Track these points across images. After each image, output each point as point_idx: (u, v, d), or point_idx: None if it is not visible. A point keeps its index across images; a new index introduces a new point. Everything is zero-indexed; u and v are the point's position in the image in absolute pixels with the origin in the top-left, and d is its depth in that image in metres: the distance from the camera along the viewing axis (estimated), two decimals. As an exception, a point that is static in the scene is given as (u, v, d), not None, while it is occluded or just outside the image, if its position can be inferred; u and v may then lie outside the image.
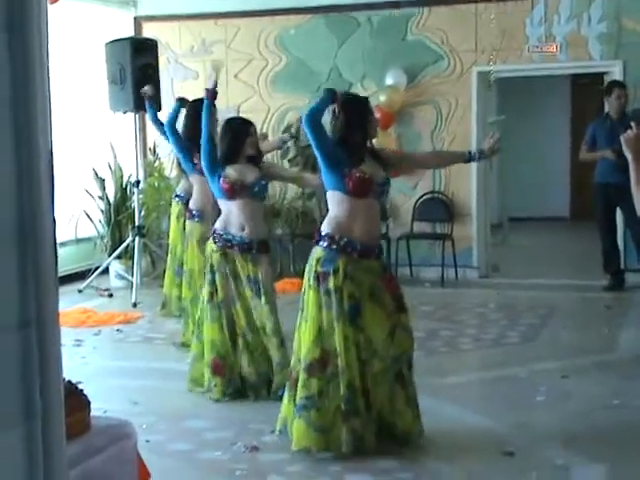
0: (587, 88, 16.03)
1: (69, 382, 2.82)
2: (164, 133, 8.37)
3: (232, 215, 6.59)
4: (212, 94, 6.95)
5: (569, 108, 17.68)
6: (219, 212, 6.80)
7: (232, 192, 6.53)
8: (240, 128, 6.76)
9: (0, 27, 1.94)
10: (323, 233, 5.41)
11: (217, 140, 6.79)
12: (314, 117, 5.43)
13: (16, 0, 1.95)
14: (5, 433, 2.02)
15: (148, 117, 8.61)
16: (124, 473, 2.94)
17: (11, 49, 1.97)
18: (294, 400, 5.38)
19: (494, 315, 9.42)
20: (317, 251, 5.40)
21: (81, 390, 2.90)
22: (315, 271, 5.35)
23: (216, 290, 6.60)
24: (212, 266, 6.62)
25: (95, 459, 2.80)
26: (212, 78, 7.09)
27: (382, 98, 11.23)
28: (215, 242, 6.62)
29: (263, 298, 6.51)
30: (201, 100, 7.22)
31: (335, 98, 5.49)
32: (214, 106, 7.06)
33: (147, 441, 5.68)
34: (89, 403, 2.89)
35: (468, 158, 5.97)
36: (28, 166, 2.01)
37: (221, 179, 6.55)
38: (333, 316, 5.27)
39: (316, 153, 5.49)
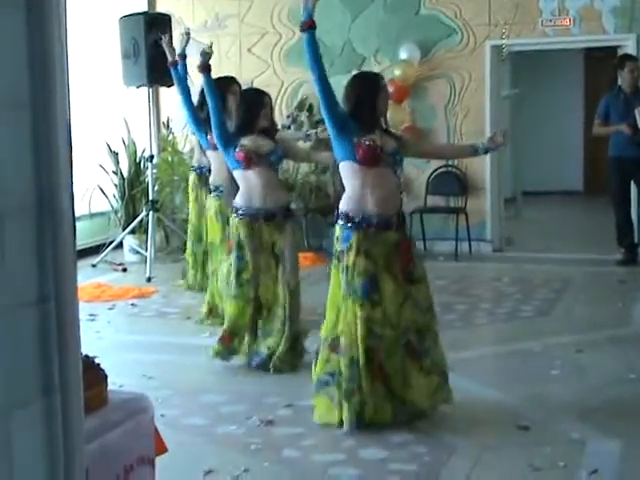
0: (600, 62, 15.93)
1: (86, 356, 2.82)
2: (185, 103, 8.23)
3: (251, 186, 6.59)
4: (204, 68, 6.93)
5: (582, 82, 17.61)
6: (237, 188, 6.79)
7: (248, 161, 6.53)
8: (254, 99, 6.76)
9: (19, 6, 1.94)
10: (340, 211, 5.42)
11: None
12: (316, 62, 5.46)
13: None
14: (25, 408, 2.04)
15: (176, 81, 8.26)
16: (141, 447, 2.96)
17: (30, 27, 1.97)
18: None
19: (508, 289, 9.41)
20: (336, 230, 5.44)
21: (98, 364, 2.91)
22: (335, 250, 5.40)
23: (244, 267, 6.62)
24: (240, 242, 6.62)
25: (112, 433, 2.81)
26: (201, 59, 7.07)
27: (397, 72, 11.20)
28: (240, 218, 6.62)
29: (288, 265, 6.57)
30: (218, 79, 7.23)
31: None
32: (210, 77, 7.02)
33: (162, 415, 5.69)
34: (106, 377, 2.91)
35: (474, 151, 5.96)
36: (46, 142, 2.02)
37: (236, 149, 6.55)
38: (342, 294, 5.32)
39: (326, 119, 5.47)
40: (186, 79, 8.24)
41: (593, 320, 8.03)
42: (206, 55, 7.03)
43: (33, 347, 2.07)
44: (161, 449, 3.15)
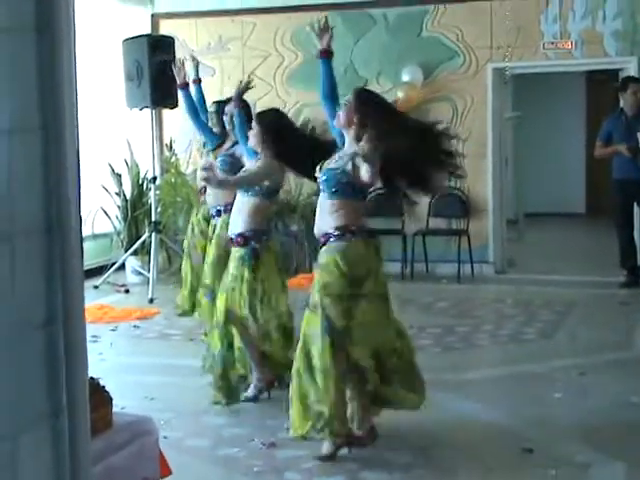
0: (602, 85, 15.99)
1: (91, 378, 2.83)
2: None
3: None
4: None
5: (584, 105, 17.66)
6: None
7: None
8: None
9: (30, 29, 1.95)
10: None
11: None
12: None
13: (46, 2, 1.97)
14: (32, 430, 2.04)
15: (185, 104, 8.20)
16: (146, 469, 2.96)
17: (40, 50, 1.99)
18: None
19: (510, 311, 9.41)
20: None
21: (103, 387, 2.92)
22: None
23: None
24: None
25: (118, 455, 2.81)
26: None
27: (400, 94, 11.24)
28: None
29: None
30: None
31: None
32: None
33: (165, 437, 5.68)
34: (111, 400, 2.91)
35: None
36: (56, 164, 2.03)
37: None
38: None
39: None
40: (203, 102, 8.20)
41: (596, 343, 8.02)
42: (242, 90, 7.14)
43: (41, 369, 2.07)
44: (165, 471, 3.15)
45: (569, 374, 6.98)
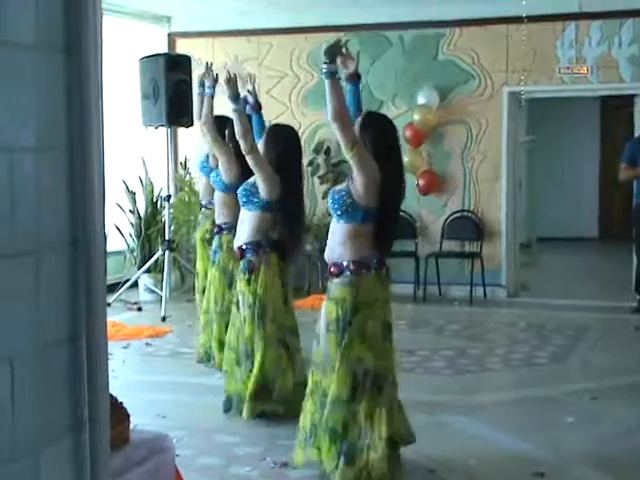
0: (617, 110, 16.02)
1: (109, 395, 2.84)
2: None
3: None
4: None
5: (598, 129, 17.70)
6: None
7: None
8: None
9: (59, 48, 1.98)
10: None
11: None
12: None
13: (74, 21, 1.99)
14: (54, 444, 2.06)
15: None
16: (162, 486, 2.97)
17: (68, 70, 2.01)
18: None
19: (523, 335, 9.41)
20: None
21: (121, 403, 2.93)
22: None
23: None
24: None
25: (135, 472, 2.82)
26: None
27: (416, 117, 11.28)
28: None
29: None
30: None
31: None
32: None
33: (177, 455, 5.69)
34: (129, 416, 2.92)
35: None
36: (82, 182, 2.06)
37: None
38: None
39: None
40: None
41: (608, 367, 8.01)
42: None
43: (64, 384, 2.09)
44: (181, 488, 3.16)
45: (581, 399, 6.97)
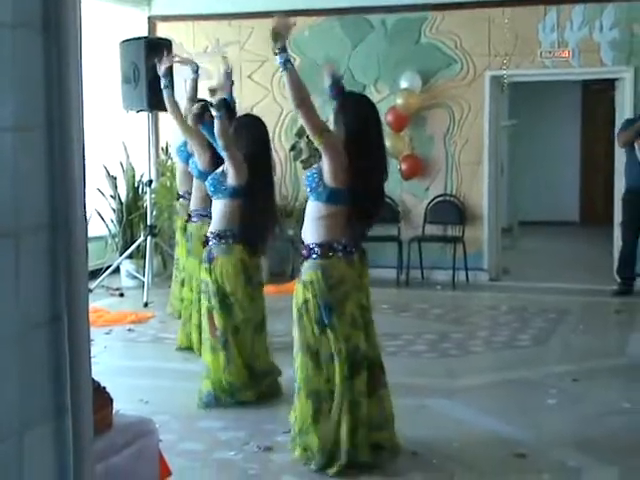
0: (598, 94, 16.06)
1: (92, 379, 2.84)
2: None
3: None
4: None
5: (580, 113, 17.74)
6: None
7: None
8: None
9: (36, 27, 1.96)
10: None
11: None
12: None
13: (52, 1, 1.98)
14: (36, 428, 2.05)
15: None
16: (146, 470, 2.96)
17: (46, 48, 1.99)
18: None
19: (505, 318, 9.43)
20: None
21: (104, 387, 2.92)
22: None
23: None
24: None
25: (118, 456, 2.82)
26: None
27: (399, 101, 11.27)
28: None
29: None
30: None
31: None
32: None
33: (160, 440, 5.69)
34: (112, 401, 2.92)
35: None
36: (61, 161, 2.04)
37: None
38: None
39: None
40: None
41: (589, 350, 8.05)
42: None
43: (45, 367, 2.08)
44: (165, 473, 3.15)
45: (563, 381, 7.00)
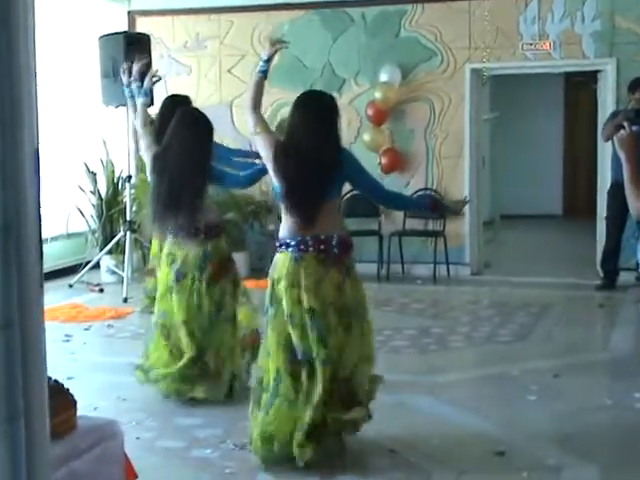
0: (580, 86, 16.02)
1: (55, 381, 2.78)
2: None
3: None
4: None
5: (562, 105, 17.70)
6: None
7: None
8: None
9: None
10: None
11: None
12: None
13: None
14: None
15: None
16: (110, 473, 2.91)
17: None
18: None
19: (486, 312, 9.40)
20: None
21: (67, 389, 2.86)
22: None
23: None
24: None
25: (81, 459, 2.76)
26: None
27: (377, 95, 11.22)
28: None
29: None
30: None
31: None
32: None
33: (137, 438, 5.65)
34: (75, 402, 2.85)
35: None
36: (12, 162, 1.97)
37: None
38: None
39: None
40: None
41: (571, 344, 8.02)
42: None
43: (-3, 373, 2.01)
44: (131, 476, 3.09)
45: (543, 376, 6.95)
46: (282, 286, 5.14)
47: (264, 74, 5.43)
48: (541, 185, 17.40)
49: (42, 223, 2.05)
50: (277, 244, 5.23)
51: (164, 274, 6.59)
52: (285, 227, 5.20)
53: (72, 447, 2.73)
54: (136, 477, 3.16)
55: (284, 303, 5.14)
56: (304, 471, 5.07)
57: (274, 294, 5.20)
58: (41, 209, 2.07)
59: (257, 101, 5.37)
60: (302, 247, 5.12)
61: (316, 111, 5.26)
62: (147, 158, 6.81)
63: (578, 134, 16.99)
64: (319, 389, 5.07)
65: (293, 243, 5.13)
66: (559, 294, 10.29)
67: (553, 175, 17.62)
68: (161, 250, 7.05)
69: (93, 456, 2.81)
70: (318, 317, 5.09)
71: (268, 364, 5.22)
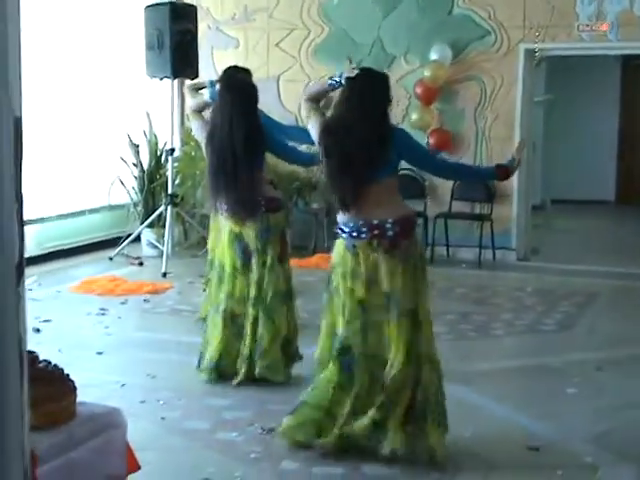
0: (638, 69, 15.66)
1: (55, 366, 2.63)
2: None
3: None
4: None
5: (619, 89, 17.28)
6: None
7: None
8: None
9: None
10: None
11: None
12: None
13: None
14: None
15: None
16: (111, 465, 2.76)
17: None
18: None
19: (530, 300, 9.15)
20: None
21: (67, 375, 2.71)
22: None
23: None
24: None
25: (79, 449, 2.62)
26: None
27: (426, 73, 10.98)
28: None
29: None
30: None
31: None
32: None
33: (162, 418, 5.53)
34: (75, 389, 2.70)
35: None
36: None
37: None
38: None
39: None
40: None
41: (616, 337, 7.76)
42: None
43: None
44: (133, 467, 2.94)
45: (585, 369, 6.73)
46: (337, 273, 5.06)
47: (333, 87, 5.21)
48: (594, 170, 17.03)
49: (23, 202, 1.88)
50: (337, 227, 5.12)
51: (229, 257, 6.40)
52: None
53: (70, 436, 2.59)
54: (139, 468, 3.01)
55: (340, 290, 5.04)
56: (328, 460, 4.92)
57: (330, 280, 5.12)
58: (22, 194, 1.89)
59: (316, 100, 5.29)
60: (354, 234, 4.96)
61: (362, 89, 5.06)
62: (201, 138, 6.65)
63: (635, 119, 16.63)
64: (356, 388, 4.98)
65: (346, 230, 4.99)
66: (607, 283, 10.01)
67: (607, 160, 17.23)
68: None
69: (93, 446, 2.67)
70: (369, 309, 4.98)
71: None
